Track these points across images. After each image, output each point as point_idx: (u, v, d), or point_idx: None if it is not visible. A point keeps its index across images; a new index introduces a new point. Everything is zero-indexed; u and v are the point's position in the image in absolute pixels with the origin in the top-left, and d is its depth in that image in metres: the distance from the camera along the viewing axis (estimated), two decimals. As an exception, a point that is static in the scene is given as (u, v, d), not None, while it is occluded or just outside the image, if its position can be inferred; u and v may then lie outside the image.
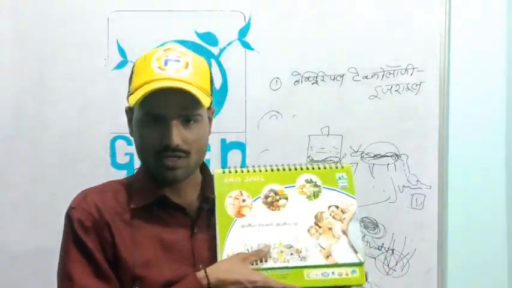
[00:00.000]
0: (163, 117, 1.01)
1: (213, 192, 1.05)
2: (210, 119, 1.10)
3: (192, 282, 0.99)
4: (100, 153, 1.54)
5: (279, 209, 1.03)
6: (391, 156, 1.58)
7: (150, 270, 1.03)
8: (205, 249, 1.08)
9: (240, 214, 1.02)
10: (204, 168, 1.13)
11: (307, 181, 1.05)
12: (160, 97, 0.99)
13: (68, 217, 1.06)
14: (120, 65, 1.55)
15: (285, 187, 1.04)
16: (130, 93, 1.04)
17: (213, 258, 1.07)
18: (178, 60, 1.02)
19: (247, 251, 0.98)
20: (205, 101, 1.01)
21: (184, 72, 1.01)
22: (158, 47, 1.13)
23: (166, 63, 1.02)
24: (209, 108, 1.08)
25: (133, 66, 1.07)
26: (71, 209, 1.06)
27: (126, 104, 1.56)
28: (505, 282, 1.62)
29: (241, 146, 1.57)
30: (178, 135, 1.01)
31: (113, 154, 1.54)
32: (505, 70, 1.61)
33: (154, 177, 1.07)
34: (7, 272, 1.53)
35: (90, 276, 1.02)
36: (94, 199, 1.06)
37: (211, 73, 1.07)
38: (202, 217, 1.10)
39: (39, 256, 1.52)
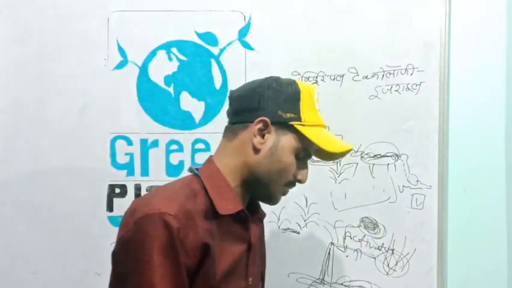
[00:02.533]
0: (309, 157, 1.09)
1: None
2: None
3: None
4: (99, 153, 1.53)
5: None
6: (391, 156, 1.57)
7: (222, 282, 1.01)
8: (254, 263, 1.11)
9: None
10: None
11: None
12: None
13: (165, 224, 0.92)
14: (120, 65, 1.54)
15: None
16: (302, 124, 1.04)
17: (258, 273, 1.13)
18: None
19: None
20: None
21: None
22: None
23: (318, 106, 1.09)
24: None
25: (298, 91, 1.05)
26: (167, 215, 0.93)
27: (125, 104, 1.58)
28: (504, 283, 1.61)
29: None
30: None
31: (113, 154, 1.53)
32: (505, 70, 1.60)
33: (258, 195, 1.10)
34: (7, 272, 1.53)
35: None
36: (187, 206, 0.96)
37: None
38: (252, 232, 1.10)
39: (39, 256, 1.52)
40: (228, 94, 1.12)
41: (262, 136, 1.03)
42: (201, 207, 0.99)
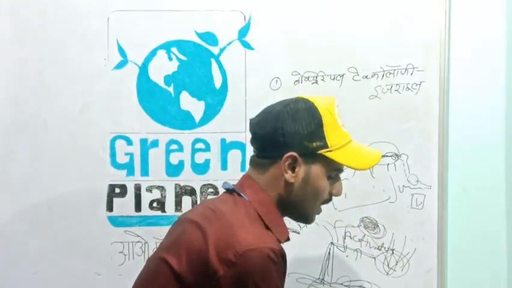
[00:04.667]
0: (341, 172, 1.12)
1: None
2: None
3: None
4: (99, 153, 1.55)
5: None
6: (391, 156, 1.59)
7: None
8: None
9: None
10: None
11: None
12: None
13: (275, 258, 0.97)
14: (120, 65, 1.55)
15: None
16: (329, 150, 1.06)
17: None
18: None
19: None
20: None
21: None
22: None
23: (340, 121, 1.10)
24: None
25: (319, 117, 1.07)
26: (273, 249, 0.98)
27: (125, 104, 1.60)
28: (505, 283, 1.64)
29: (241, 146, 1.58)
30: None
31: (113, 154, 1.55)
32: (505, 69, 1.62)
33: (294, 218, 1.14)
34: (7, 271, 1.55)
35: None
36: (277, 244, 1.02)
37: None
38: None
39: (39, 256, 1.53)
40: (249, 125, 1.13)
41: (293, 170, 1.05)
42: (280, 239, 1.05)
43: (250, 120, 1.11)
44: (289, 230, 1.51)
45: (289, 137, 1.04)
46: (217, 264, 0.94)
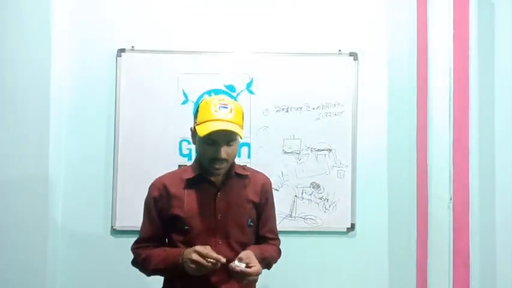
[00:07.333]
0: (217, 142, 1.50)
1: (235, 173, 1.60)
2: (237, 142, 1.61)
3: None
4: (173, 149, 2.54)
5: None
6: (327, 150, 2.57)
7: (193, 219, 1.52)
8: (223, 206, 1.55)
9: None
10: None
11: None
12: (216, 132, 1.47)
13: (148, 189, 1.58)
14: (184, 102, 2.57)
15: None
16: (197, 123, 1.49)
17: (227, 211, 1.54)
18: (226, 107, 1.51)
19: None
20: (240, 133, 1.52)
21: (229, 115, 1.50)
22: (211, 94, 2.22)
23: (219, 109, 1.50)
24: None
25: (198, 106, 1.56)
26: (151, 184, 1.59)
27: (187, 122, 2.11)
28: (386, 219, 2.61)
29: (248, 145, 2.55)
30: (224, 152, 1.50)
31: (180, 149, 2.56)
32: (387, 108, 2.60)
33: (205, 170, 1.54)
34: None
35: (149, 227, 1.56)
36: (164, 179, 1.57)
37: (243, 113, 1.62)
38: (224, 187, 1.57)
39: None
40: None
41: (193, 139, 1.55)
42: (183, 176, 1.55)
43: None
44: (273, 189, 2.26)
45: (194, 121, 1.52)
46: None
